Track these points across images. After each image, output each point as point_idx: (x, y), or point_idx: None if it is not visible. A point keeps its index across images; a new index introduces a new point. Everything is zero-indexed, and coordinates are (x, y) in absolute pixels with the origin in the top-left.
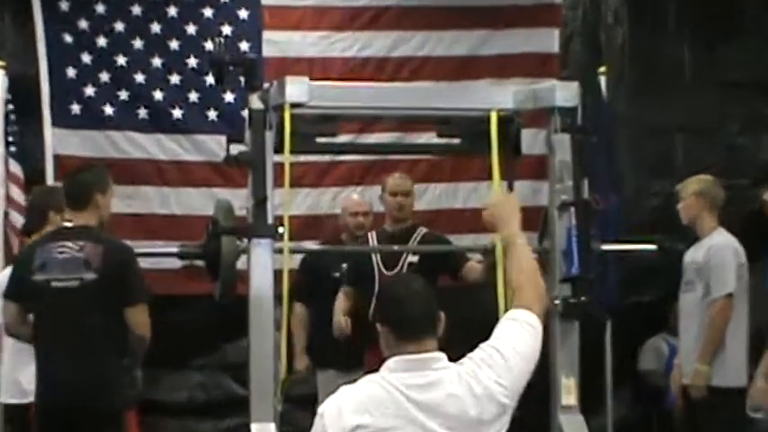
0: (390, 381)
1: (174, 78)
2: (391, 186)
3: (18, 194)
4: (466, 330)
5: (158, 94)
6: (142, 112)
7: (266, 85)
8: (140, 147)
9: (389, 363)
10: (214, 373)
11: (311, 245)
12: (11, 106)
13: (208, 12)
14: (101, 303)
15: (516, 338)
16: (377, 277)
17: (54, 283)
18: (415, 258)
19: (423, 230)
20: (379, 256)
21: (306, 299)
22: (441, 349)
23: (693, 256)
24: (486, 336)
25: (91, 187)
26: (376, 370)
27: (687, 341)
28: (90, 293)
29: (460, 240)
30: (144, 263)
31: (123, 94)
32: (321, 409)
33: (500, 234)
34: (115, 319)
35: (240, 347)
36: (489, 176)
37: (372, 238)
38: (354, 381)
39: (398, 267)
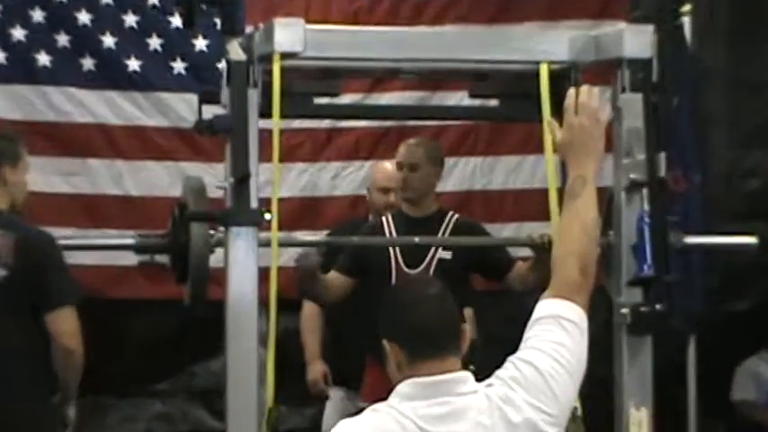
0: (403, 411)
1: (130, 19)
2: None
3: None
4: (504, 347)
5: (108, 40)
6: (87, 63)
7: (249, 28)
8: (85, 107)
9: (401, 388)
10: (180, 401)
11: (306, 236)
12: None
13: None
14: (12, 308)
15: (556, 345)
16: (394, 275)
17: None
18: (447, 254)
19: (454, 216)
20: (398, 247)
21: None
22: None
23: None
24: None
25: None
26: (383, 398)
27: None
28: None
29: (500, 231)
30: (91, 258)
31: (62, 39)
32: None
33: (568, 170)
34: (31, 327)
35: (214, 368)
36: (536, 149)
37: (388, 222)
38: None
39: (424, 264)
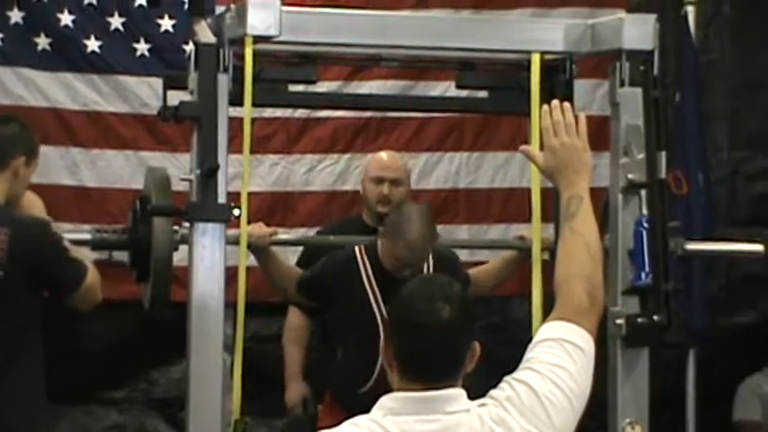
0: (385, 426)
1: None
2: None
3: None
4: (487, 356)
5: (66, 17)
6: (42, 42)
7: (220, 8)
8: (39, 90)
9: (385, 401)
10: (137, 411)
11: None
12: None
13: None
14: (13, 310)
15: (557, 369)
16: (377, 314)
17: None
18: None
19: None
20: (373, 278)
21: (307, 306)
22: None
23: None
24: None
25: (11, 146)
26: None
27: None
28: None
29: (486, 233)
30: None
31: (15, 16)
32: None
33: (560, 192)
34: (31, 329)
35: (175, 375)
36: (526, 144)
37: (363, 257)
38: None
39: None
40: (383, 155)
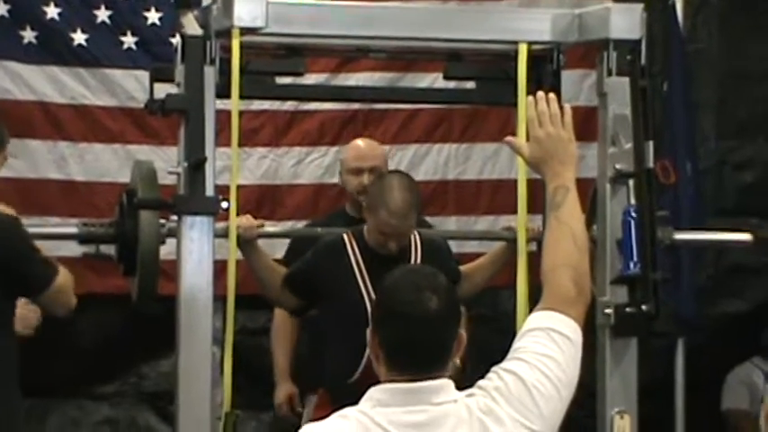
0: (374, 417)
1: None
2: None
3: None
4: (477, 348)
5: (52, 10)
6: (28, 35)
7: (206, 1)
8: (25, 83)
9: (373, 392)
10: (128, 405)
11: (267, 227)
12: None
13: None
14: None
15: (545, 359)
16: (364, 293)
17: None
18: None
19: (417, 233)
20: (362, 261)
21: (291, 306)
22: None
23: None
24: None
25: None
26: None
27: None
28: None
29: (474, 224)
30: None
31: (1, 9)
32: None
33: (546, 183)
34: (9, 330)
35: (165, 369)
36: (514, 136)
37: (352, 244)
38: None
39: None
40: (359, 143)
